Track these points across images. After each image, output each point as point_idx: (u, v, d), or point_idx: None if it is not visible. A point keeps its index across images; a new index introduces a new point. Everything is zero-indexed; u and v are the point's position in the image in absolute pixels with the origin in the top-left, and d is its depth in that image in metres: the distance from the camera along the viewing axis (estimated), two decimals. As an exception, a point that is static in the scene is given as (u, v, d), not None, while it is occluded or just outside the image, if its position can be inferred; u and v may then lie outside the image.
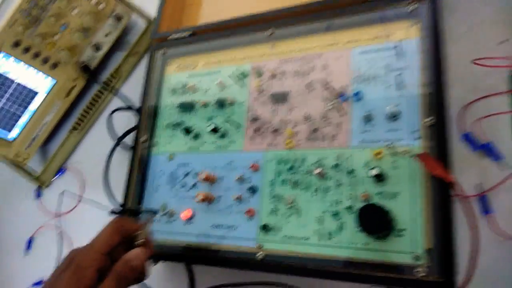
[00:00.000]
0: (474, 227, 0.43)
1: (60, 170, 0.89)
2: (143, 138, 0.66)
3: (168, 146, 0.65)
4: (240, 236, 0.54)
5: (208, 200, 0.57)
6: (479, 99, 0.59)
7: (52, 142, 0.92)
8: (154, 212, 0.60)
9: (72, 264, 0.42)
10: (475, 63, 0.58)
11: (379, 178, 0.48)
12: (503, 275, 0.51)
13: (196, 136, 0.63)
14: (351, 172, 0.51)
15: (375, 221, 0.44)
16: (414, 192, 0.47)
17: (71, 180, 0.87)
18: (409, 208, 0.46)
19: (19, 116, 0.81)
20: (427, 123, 0.48)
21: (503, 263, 0.51)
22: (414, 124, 0.49)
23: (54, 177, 0.89)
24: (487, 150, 0.56)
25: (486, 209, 0.55)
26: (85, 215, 0.82)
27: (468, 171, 0.57)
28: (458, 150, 0.56)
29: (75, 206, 0.84)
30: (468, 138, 0.58)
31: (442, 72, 0.49)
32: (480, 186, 0.56)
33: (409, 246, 0.45)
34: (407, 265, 0.45)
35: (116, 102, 0.87)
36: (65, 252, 0.81)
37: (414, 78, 0.51)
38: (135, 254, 0.42)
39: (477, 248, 0.42)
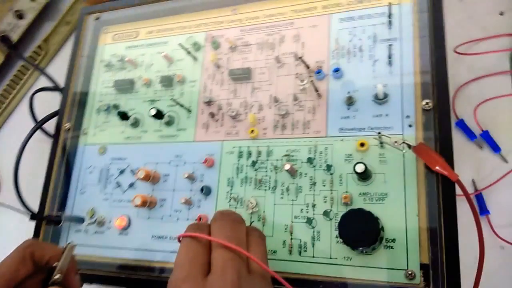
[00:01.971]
0: (481, 236, 0.35)
1: (-28, 165, 0.75)
2: (67, 125, 0.54)
3: (99, 135, 0.53)
4: (189, 251, 0.44)
5: (148, 204, 0.46)
6: (475, 79, 0.52)
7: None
8: (79, 221, 0.48)
9: None
10: (456, 52, 0.52)
11: (364, 175, 0.39)
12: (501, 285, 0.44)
13: (135, 123, 0.52)
14: (328, 167, 0.42)
15: (363, 231, 0.36)
16: (406, 193, 0.39)
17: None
18: (401, 213, 0.38)
19: None
20: (424, 107, 0.40)
21: (501, 270, 0.45)
22: (406, 108, 0.41)
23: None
24: (484, 139, 0.50)
25: (483, 210, 0.48)
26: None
27: (462, 165, 0.50)
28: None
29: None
30: (462, 126, 0.51)
31: (442, 43, 0.41)
32: (476, 182, 0.49)
33: (401, 261, 0.37)
34: (400, 286, 0.36)
35: (42, 82, 0.74)
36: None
37: (408, 51, 0.43)
38: None
39: (482, 262, 0.35)
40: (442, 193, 0.37)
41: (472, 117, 0.50)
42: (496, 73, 0.52)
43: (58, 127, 0.55)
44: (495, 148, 0.49)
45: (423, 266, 0.36)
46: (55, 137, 0.54)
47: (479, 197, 0.48)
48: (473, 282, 0.34)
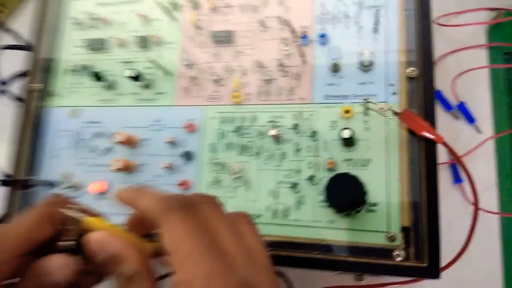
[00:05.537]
0: (475, 201, 0.38)
1: None
2: (35, 85, 0.52)
3: (71, 97, 0.51)
4: (171, 216, 0.44)
5: (127, 169, 0.45)
6: (453, 52, 0.54)
7: None
8: (51, 184, 0.47)
9: None
10: (438, 24, 0.54)
11: (348, 141, 0.41)
12: (472, 250, 0.48)
13: (110, 85, 0.50)
14: (313, 134, 0.43)
15: (350, 195, 0.37)
16: (389, 159, 0.40)
17: None
18: (383, 178, 0.40)
19: None
20: (410, 74, 0.41)
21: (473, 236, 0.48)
22: (391, 76, 0.43)
23: None
24: (460, 111, 0.53)
25: (457, 178, 0.51)
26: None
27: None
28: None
29: None
30: (440, 97, 0.53)
31: (428, 12, 0.42)
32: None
33: (382, 224, 0.39)
34: (381, 247, 0.39)
35: (5, 40, 0.69)
36: None
37: (393, 19, 0.44)
38: (57, 265, 0.28)
39: (474, 228, 0.38)
40: (425, 158, 0.39)
41: (449, 88, 0.53)
42: (473, 46, 0.54)
43: (25, 89, 0.52)
44: (470, 119, 0.52)
45: (404, 229, 0.39)
46: (22, 99, 0.51)
47: (454, 166, 0.52)
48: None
